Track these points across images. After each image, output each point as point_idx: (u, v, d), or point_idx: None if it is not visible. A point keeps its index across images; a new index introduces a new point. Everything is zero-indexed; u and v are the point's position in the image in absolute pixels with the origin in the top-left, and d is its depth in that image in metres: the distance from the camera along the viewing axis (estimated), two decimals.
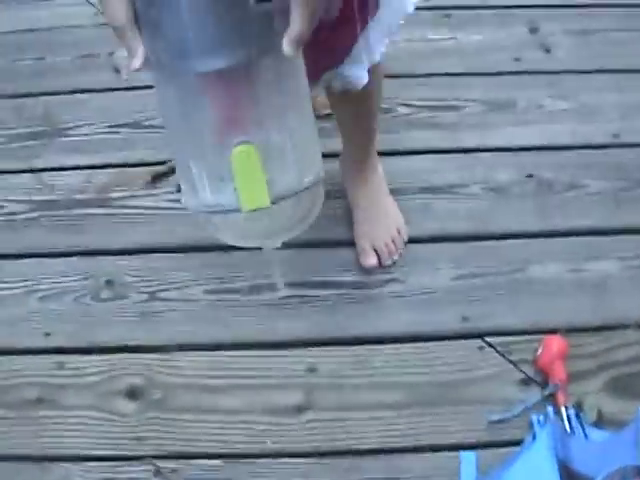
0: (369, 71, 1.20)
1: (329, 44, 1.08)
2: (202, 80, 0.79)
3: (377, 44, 1.20)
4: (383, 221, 1.49)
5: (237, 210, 0.82)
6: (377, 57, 1.21)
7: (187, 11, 0.75)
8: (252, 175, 0.81)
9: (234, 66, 0.78)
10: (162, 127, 1.66)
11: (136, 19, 0.77)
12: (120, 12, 0.75)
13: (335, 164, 1.55)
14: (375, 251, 1.47)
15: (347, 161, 1.50)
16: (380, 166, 1.52)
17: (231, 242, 0.94)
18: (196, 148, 0.85)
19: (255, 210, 0.82)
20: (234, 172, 0.81)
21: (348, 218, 1.51)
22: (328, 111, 1.62)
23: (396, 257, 1.48)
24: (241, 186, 0.81)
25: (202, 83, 0.80)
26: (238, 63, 0.78)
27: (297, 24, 0.76)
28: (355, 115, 1.38)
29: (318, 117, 1.62)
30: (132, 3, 0.77)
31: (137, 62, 0.76)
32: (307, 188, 0.86)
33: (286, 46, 0.76)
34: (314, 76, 1.18)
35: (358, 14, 1.09)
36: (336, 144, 1.59)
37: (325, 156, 1.57)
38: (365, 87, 1.21)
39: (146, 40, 0.78)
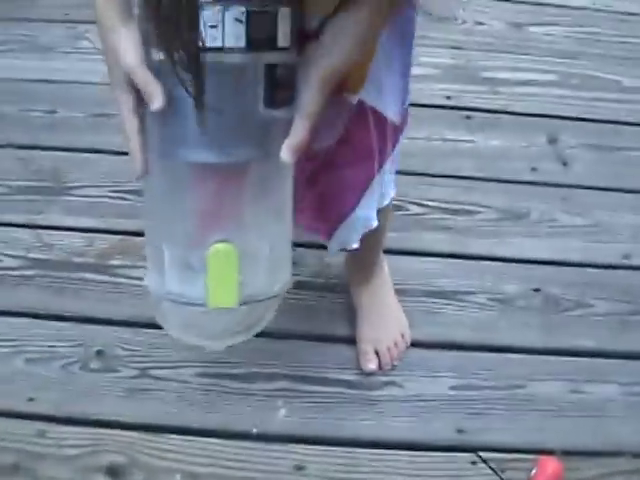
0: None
1: (346, 183, 1.14)
2: (194, 170, 0.82)
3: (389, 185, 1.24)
4: (387, 324, 1.50)
5: (201, 305, 0.84)
6: (387, 200, 1.25)
7: (192, 104, 0.79)
8: (226, 274, 0.83)
9: (230, 164, 0.81)
10: None
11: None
12: (131, 53, 0.80)
13: (340, 258, 1.57)
14: (377, 353, 1.48)
15: (351, 261, 1.51)
16: (386, 265, 1.53)
17: (173, 334, 0.96)
18: (173, 234, 0.86)
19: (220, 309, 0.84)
20: (208, 268, 0.83)
21: (350, 313, 1.52)
22: None
23: (397, 363, 1.49)
24: (213, 283, 0.83)
25: (193, 173, 0.83)
26: (234, 162, 0.82)
27: (298, 133, 0.81)
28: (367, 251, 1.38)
29: None
30: (141, 50, 0.80)
31: (158, 103, 0.79)
32: (275, 296, 0.89)
33: (284, 153, 0.81)
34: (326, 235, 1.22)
35: (379, 149, 1.12)
36: None
37: (319, 247, 1.61)
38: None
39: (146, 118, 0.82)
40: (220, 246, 0.83)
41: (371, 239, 1.30)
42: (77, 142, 1.78)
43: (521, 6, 2.10)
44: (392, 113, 1.11)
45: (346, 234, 1.23)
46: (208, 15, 0.77)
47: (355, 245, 1.25)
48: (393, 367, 1.48)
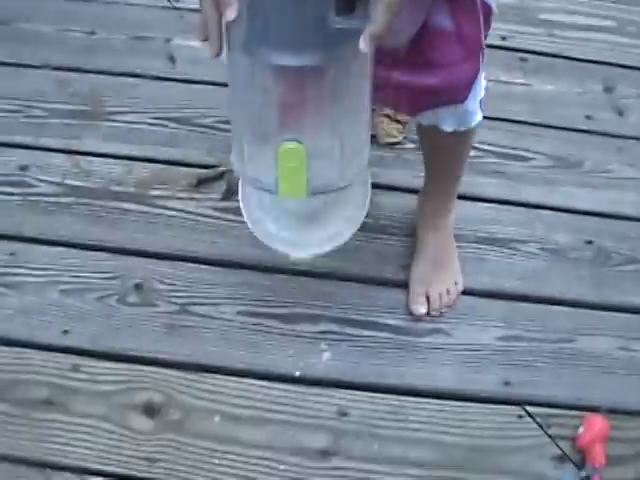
0: None
1: (454, 77, 1.11)
2: (275, 71, 0.87)
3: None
4: (443, 270, 1.46)
5: (273, 192, 0.94)
6: (484, 92, 1.21)
7: (276, 9, 0.83)
8: (295, 170, 0.91)
9: (301, 67, 0.85)
10: (213, 128, 1.64)
11: None
12: None
13: (393, 198, 1.55)
14: (427, 298, 1.45)
15: (426, 200, 1.47)
16: (454, 213, 1.50)
17: (260, 236, 1.08)
18: (250, 126, 0.94)
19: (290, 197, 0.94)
20: (279, 163, 0.91)
21: (399, 256, 1.49)
22: (390, 140, 1.61)
23: (445, 310, 1.46)
24: (282, 177, 0.92)
25: (275, 74, 0.87)
26: (305, 65, 0.85)
27: (378, 21, 0.83)
28: (452, 153, 1.35)
29: (379, 146, 1.61)
30: None
31: (232, 14, 0.84)
32: (346, 186, 0.97)
33: (363, 42, 0.84)
34: (413, 109, 1.16)
35: (481, 46, 1.11)
36: (395, 176, 1.58)
37: (383, 187, 1.57)
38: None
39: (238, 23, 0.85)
40: (290, 144, 0.89)
41: (457, 150, 1.32)
42: (116, 66, 1.73)
43: None
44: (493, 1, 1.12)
45: (444, 116, 1.19)
46: None
47: (448, 128, 1.20)
48: (441, 314, 1.45)
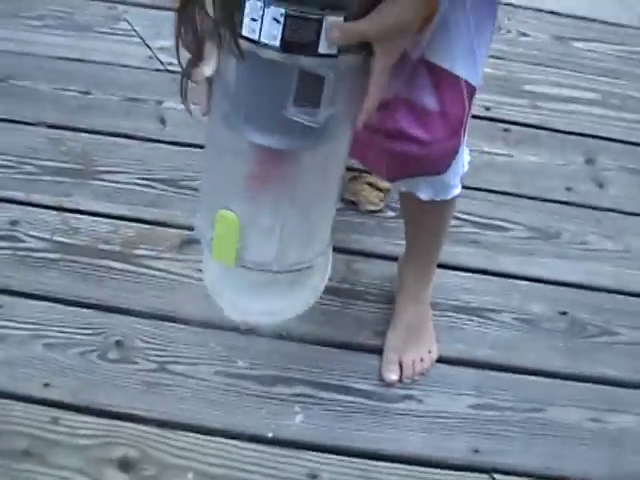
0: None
1: (435, 158, 1.18)
2: (237, 141, 0.93)
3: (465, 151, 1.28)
4: (418, 337, 1.52)
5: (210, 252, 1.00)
6: (467, 166, 1.29)
7: (244, 91, 0.89)
8: (226, 238, 0.97)
9: (270, 148, 0.92)
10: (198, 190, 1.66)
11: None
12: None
13: (372, 265, 1.61)
14: (400, 366, 1.50)
15: (405, 268, 1.53)
16: (432, 284, 1.55)
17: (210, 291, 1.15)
18: (209, 185, 1.02)
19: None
20: (215, 227, 0.97)
21: (375, 322, 1.54)
22: (371, 207, 1.67)
23: (418, 378, 1.50)
24: (215, 241, 0.98)
25: (236, 143, 0.93)
26: (255, 145, 0.92)
27: (370, 99, 0.92)
28: (430, 222, 1.41)
29: (361, 213, 1.67)
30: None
31: (208, 71, 0.91)
32: (281, 272, 1.01)
33: (360, 120, 0.93)
34: (390, 175, 1.26)
35: (465, 125, 1.18)
36: (375, 244, 1.64)
37: (363, 254, 1.63)
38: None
39: (219, 91, 0.93)
40: (225, 211, 0.95)
41: (435, 218, 1.38)
42: (109, 126, 1.80)
43: (567, 20, 2.11)
44: (477, 80, 1.17)
45: (420, 185, 1.25)
46: (251, 7, 0.83)
47: (424, 197, 1.26)
48: (413, 381, 1.50)
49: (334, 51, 0.85)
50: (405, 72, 1.09)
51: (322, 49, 0.85)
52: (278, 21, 0.82)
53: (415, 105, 1.13)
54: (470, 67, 1.14)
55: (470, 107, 1.17)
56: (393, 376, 1.50)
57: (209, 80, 0.92)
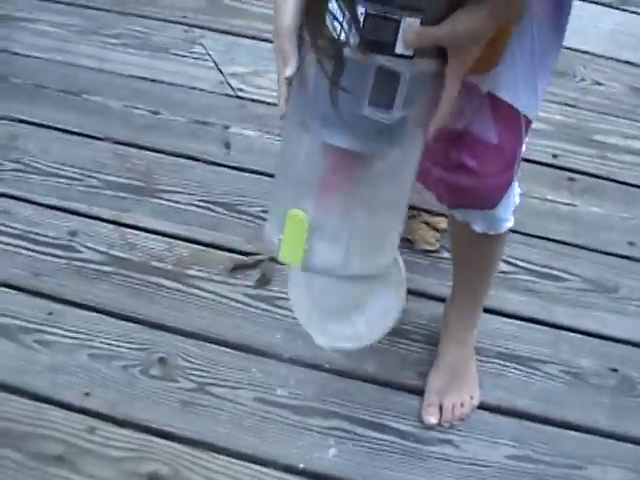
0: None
1: (488, 186, 1.19)
2: (323, 146, 0.95)
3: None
4: (461, 382, 1.51)
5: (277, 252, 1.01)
6: (518, 199, 1.30)
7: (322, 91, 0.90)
8: (295, 237, 0.98)
9: (347, 150, 0.94)
10: (256, 217, 1.75)
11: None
12: (287, 17, 0.92)
13: (421, 304, 1.61)
14: (440, 408, 1.49)
15: (451, 307, 1.53)
16: (478, 328, 1.55)
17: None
18: (283, 186, 1.03)
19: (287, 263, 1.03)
20: (285, 227, 0.98)
21: (419, 363, 1.54)
22: (426, 247, 1.68)
23: (457, 423, 1.50)
24: (284, 240, 0.99)
25: (322, 148, 0.95)
26: (356, 150, 0.94)
27: (440, 113, 0.94)
28: (478, 257, 1.41)
29: (415, 252, 1.67)
30: (299, 15, 0.92)
31: (289, 71, 0.92)
32: (348, 277, 1.02)
33: (431, 128, 0.95)
34: (447, 203, 1.28)
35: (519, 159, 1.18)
36: (427, 284, 1.64)
37: (414, 293, 1.62)
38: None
39: (297, 95, 0.94)
40: (294, 211, 0.97)
41: (485, 251, 1.38)
42: (174, 146, 1.84)
43: None
44: (535, 113, 1.18)
45: (474, 217, 1.28)
46: (333, 7, 0.87)
47: (478, 229, 1.28)
48: (452, 426, 1.50)
49: (410, 53, 0.88)
50: (475, 102, 1.11)
51: (399, 49, 0.88)
52: (358, 20, 0.86)
53: (473, 136, 1.14)
54: (530, 100, 1.15)
55: (524, 140, 1.18)
56: (432, 419, 1.49)
57: (289, 82, 0.94)
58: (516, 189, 1.26)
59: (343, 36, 0.87)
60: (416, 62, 0.89)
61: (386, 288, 1.11)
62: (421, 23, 0.87)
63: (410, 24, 0.86)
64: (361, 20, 0.86)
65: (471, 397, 1.51)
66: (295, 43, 0.92)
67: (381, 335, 1.14)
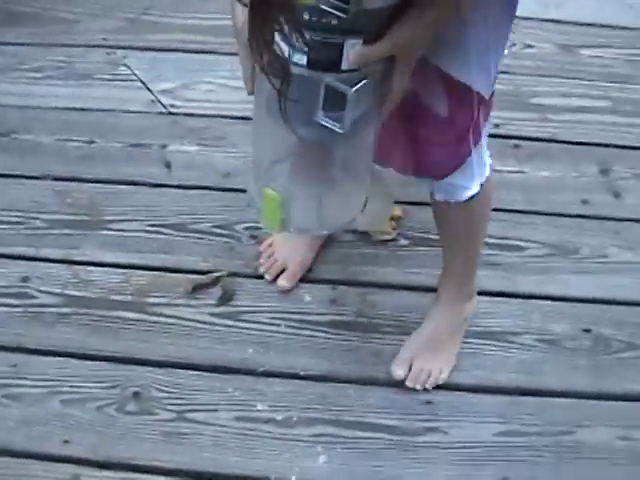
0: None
1: (438, 157, 1.26)
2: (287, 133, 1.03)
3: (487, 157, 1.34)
4: (437, 353, 1.52)
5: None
6: (488, 170, 1.33)
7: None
8: (271, 211, 1.12)
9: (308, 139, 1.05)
10: (208, 234, 1.75)
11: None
12: (239, 17, 1.02)
13: (387, 296, 1.62)
14: (410, 368, 1.51)
15: (442, 278, 1.53)
16: (473, 303, 1.56)
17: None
18: (259, 156, 1.18)
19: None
20: (262, 201, 1.13)
21: (395, 355, 1.53)
22: (384, 237, 1.67)
23: (419, 387, 1.51)
24: (262, 212, 1.14)
25: (286, 135, 1.03)
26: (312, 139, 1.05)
27: (394, 90, 1.03)
28: (458, 227, 1.44)
29: (373, 243, 1.67)
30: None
31: (249, 88, 1.07)
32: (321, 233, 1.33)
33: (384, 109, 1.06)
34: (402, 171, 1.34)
35: (473, 132, 1.23)
36: (390, 274, 1.65)
37: (378, 285, 1.62)
38: (471, 198, 1.33)
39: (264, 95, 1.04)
40: (268, 191, 1.10)
41: (464, 221, 1.42)
42: (114, 173, 1.81)
43: (571, 27, 2.10)
44: (488, 90, 1.23)
45: (434, 187, 1.35)
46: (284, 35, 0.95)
47: (438, 197, 1.35)
48: (415, 389, 1.50)
49: (355, 66, 0.98)
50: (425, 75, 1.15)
51: (344, 66, 0.97)
52: (306, 43, 0.94)
53: (426, 108, 1.20)
54: (482, 78, 1.19)
55: (479, 116, 1.22)
56: (400, 372, 1.51)
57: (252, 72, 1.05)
58: (486, 159, 1.32)
59: (290, 56, 0.96)
60: (363, 71, 0.98)
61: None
62: (364, 42, 0.96)
63: (353, 45, 0.95)
64: (306, 44, 0.94)
65: (440, 371, 1.53)
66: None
67: (347, 221, 1.23)
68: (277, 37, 0.95)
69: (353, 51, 0.96)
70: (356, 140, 1.08)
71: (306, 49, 0.95)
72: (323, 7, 0.92)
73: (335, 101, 0.98)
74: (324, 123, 1.00)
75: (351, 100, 0.98)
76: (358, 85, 0.98)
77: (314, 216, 1.17)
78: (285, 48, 0.96)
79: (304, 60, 0.96)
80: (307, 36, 0.93)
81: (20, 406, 1.50)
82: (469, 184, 1.31)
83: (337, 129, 1.00)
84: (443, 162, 1.27)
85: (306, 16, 0.92)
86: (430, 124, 1.22)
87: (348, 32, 0.94)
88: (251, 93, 1.08)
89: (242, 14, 1.00)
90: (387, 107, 1.06)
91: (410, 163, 1.29)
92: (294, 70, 0.97)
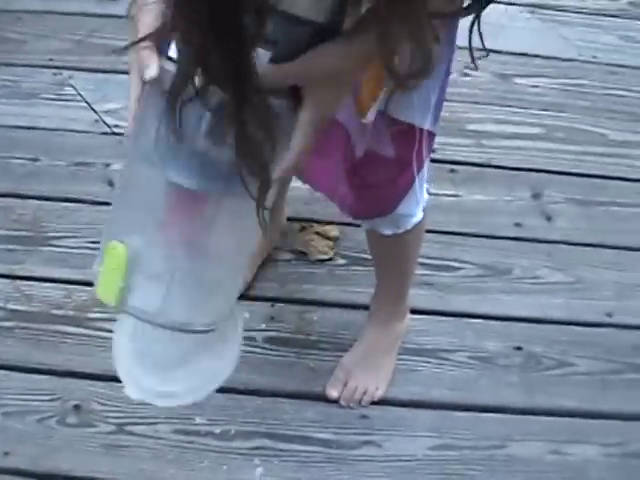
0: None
1: (387, 194, 1.26)
2: (158, 180, 0.87)
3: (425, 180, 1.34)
4: (373, 371, 1.55)
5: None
6: (426, 194, 1.36)
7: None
8: (111, 271, 0.88)
9: (186, 189, 0.86)
10: None
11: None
12: (145, 30, 0.85)
13: (324, 314, 1.65)
14: (344, 385, 1.54)
15: (375, 300, 1.57)
16: (406, 320, 1.59)
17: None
18: (115, 213, 0.95)
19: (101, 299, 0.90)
20: (103, 258, 0.90)
21: (331, 371, 1.57)
22: (321, 256, 1.71)
23: (353, 406, 1.54)
24: (101, 273, 0.90)
25: (155, 184, 0.88)
26: (190, 188, 0.86)
27: (284, 163, 0.86)
28: (394, 255, 1.47)
29: (311, 263, 1.70)
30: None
31: (152, 71, 0.84)
32: (165, 327, 0.91)
33: (276, 174, 0.85)
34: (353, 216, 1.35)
35: (417, 161, 1.23)
36: (327, 292, 1.68)
37: (316, 304, 1.65)
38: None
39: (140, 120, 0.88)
40: (115, 244, 0.88)
41: (401, 249, 1.43)
42: (58, 191, 1.83)
43: (507, 57, 2.16)
44: (430, 124, 1.22)
45: (380, 223, 1.35)
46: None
47: (387, 232, 1.35)
48: (350, 407, 1.54)
49: None
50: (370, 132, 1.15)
51: None
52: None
53: (372, 154, 1.20)
54: (425, 114, 1.20)
55: (420, 147, 1.22)
56: (334, 393, 1.55)
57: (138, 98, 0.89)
58: (424, 184, 1.33)
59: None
60: None
61: (219, 347, 1.02)
62: (273, 58, 0.81)
63: (259, 56, 0.78)
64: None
65: (377, 388, 1.56)
66: (154, 50, 0.85)
67: (200, 398, 1.05)
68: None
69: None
70: (238, 204, 0.87)
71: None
72: None
73: (218, 130, 0.82)
74: (203, 150, 0.83)
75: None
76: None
77: (159, 297, 0.90)
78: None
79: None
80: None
81: None
82: (414, 211, 1.34)
83: (216, 158, 0.84)
84: (391, 197, 1.29)
85: None
86: (375, 168, 1.22)
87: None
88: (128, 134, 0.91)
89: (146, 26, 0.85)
90: (280, 168, 0.86)
91: (357, 209, 1.31)
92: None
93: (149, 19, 0.85)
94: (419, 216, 1.35)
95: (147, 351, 1.04)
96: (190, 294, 0.93)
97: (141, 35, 0.85)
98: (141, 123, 0.88)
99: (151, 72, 0.84)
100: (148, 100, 0.87)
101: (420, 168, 1.26)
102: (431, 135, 1.24)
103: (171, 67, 0.82)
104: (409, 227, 1.35)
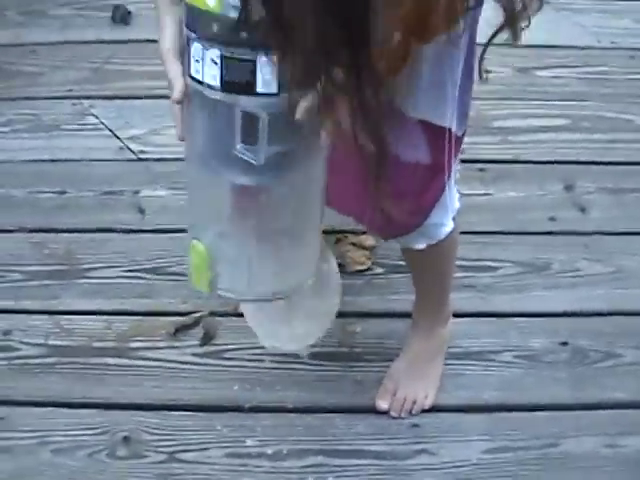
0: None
1: (416, 205, 1.24)
2: (211, 179, 0.98)
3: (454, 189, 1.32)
4: (421, 379, 1.54)
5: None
6: (457, 202, 1.34)
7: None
8: (198, 266, 1.02)
9: (216, 179, 0.98)
10: (186, 275, 1.74)
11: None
12: (167, 40, 0.94)
13: (366, 324, 1.64)
14: (394, 395, 1.53)
15: (417, 310, 1.56)
16: (449, 325, 1.58)
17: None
18: (189, 211, 1.09)
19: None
20: (190, 256, 1.04)
21: (378, 381, 1.56)
22: (359, 267, 1.70)
23: (404, 416, 1.53)
24: (190, 269, 1.05)
25: (210, 181, 0.98)
26: (219, 178, 0.97)
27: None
28: (433, 263, 1.44)
29: (349, 274, 1.69)
30: (179, 37, 0.93)
31: (176, 94, 0.93)
32: (259, 301, 1.09)
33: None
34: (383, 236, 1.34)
35: (447, 166, 1.21)
36: (367, 303, 1.67)
37: (356, 315, 1.64)
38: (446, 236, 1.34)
39: (197, 138, 0.97)
40: (195, 243, 1.02)
41: (437, 259, 1.42)
42: (88, 222, 1.82)
43: (526, 50, 2.14)
44: (459, 127, 1.22)
45: (411, 238, 1.32)
46: (195, 49, 0.88)
47: (420, 246, 1.32)
48: (401, 418, 1.53)
49: (274, 90, 0.88)
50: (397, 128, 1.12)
51: (260, 88, 0.88)
52: (216, 62, 0.87)
53: (405, 164, 1.17)
54: (458, 117, 1.19)
55: (451, 152, 1.21)
56: (384, 405, 1.54)
57: (179, 104, 0.95)
58: (454, 194, 1.31)
59: (206, 78, 0.89)
60: (283, 98, 0.89)
61: (321, 291, 1.18)
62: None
63: (265, 63, 0.86)
64: (218, 63, 0.87)
65: (426, 396, 1.55)
66: (179, 65, 0.94)
67: (319, 336, 1.24)
68: (192, 56, 0.90)
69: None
70: (291, 185, 1.00)
71: (218, 67, 0.88)
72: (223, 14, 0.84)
73: (252, 130, 0.91)
74: (241, 155, 0.93)
75: (264, 127, 0.91)
76: (275, 108, 0.90)
77: (244, 278, 1.05)
78: (198, 68, 0.90)
79: (217, 80, 0.89)
80: (218, 52, 0.87)
81: (11, 458, 1.50)
82: (444, 220, 1.32)
83: (253, 161, 0.92)
84: (421, 208, 1.26)
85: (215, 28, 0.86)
86: (405, 177, 1.18)
87: (260, 45, 0.86)
88: (181, 139, 0.99)
89: (168, 36, 0.95)
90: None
91: (387, 229, 1.30)
92: (208, 94, 0.90)
93: None
94: (450, 225, 1.33)
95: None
96: (268, 270, 1.05)
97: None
98: (191, 131, 0.97)
99: (176, 95, 0.93)
100: (190, 109, 0.95)
101: (450, 174, 1.25)
102: (460, 139, 1.24)
103: (192, 83, 0.91)
104: (441, 237, 1.33)
